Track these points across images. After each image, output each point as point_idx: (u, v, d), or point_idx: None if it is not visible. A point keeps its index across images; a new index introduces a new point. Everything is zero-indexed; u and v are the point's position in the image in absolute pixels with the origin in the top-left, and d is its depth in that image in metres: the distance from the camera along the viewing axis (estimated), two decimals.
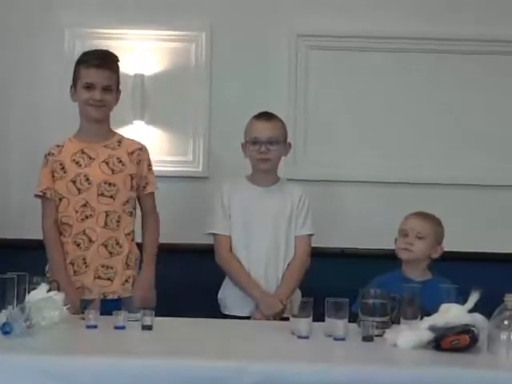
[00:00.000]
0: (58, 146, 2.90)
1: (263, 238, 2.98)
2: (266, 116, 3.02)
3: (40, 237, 2.89)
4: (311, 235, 3.05)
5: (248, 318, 2.91)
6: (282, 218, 3.01)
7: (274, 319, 2.84)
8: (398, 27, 3.53)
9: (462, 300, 2.24)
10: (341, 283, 2.95)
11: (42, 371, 1.94)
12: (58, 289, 2.49)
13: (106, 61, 2.85)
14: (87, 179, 2.82)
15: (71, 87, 2.89)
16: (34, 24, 3.58)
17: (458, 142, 3.60)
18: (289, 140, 3.11)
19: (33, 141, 3.48)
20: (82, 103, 2.86)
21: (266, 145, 2.96)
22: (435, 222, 2.90)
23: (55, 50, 3.56)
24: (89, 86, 2.82)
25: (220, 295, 3.05)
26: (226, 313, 2.99)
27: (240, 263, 2.97)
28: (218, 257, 3.01)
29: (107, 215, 2.82)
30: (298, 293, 2.98)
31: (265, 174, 3.04)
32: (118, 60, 2.92)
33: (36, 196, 2.88)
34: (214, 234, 3.02)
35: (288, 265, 3.00)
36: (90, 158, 2.85)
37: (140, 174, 2.90)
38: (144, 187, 2.92)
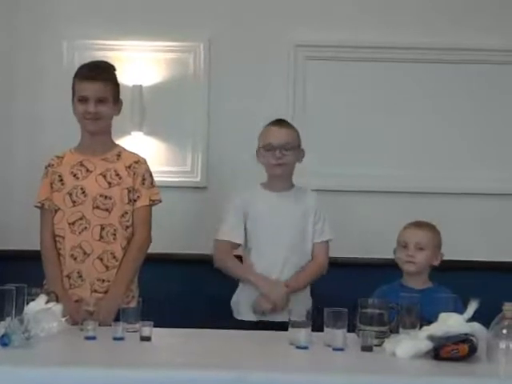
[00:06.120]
0: (58, 157, 2.89)
1: (280, 242, 2.97)
2: (280, 122, 3.04)
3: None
4: (329, 240, 3.06)
5: (261, 322, 2.89)
6: (298, 222, 3.01)
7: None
8: (397, 38, 3.55)
9: (462, 309, 2.23)
10: (348, 293, 2.94)
11: (41, 383, 1.93)
12: (57, 300, 2.49)
13: (98, 72, 2.80)
14: (83, 192, 2.81)
15: (72, 101, 2.86)
16: (33, 36, 3.60)
17: (464, 151, 3.61)
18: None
19: (34, 152, 3.49)
20: (78, 117, 2.84)
21: (281, 150, 2.98)
22: (431, 229, 2.89)
23: (54, 62, 3.57)
24: (83, 99, 2.79)
25: (234, 299, 3.03)
26: (239, 318, 2.98)
27: (235, 259, 2.98)
28: (215, 260, 3.02)
29: (102, 228, 2.79)
30: (309, 299, 2.98)
31: (280, 179, 3.05)
32: (113, 69, 2.88)
33: (36, 207, 2.88)
34: (215, 241, 3.02)
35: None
36: (88, 170, 2.84)
37: (133, 187, 2.85)
38: (135, 201, 2.85)
